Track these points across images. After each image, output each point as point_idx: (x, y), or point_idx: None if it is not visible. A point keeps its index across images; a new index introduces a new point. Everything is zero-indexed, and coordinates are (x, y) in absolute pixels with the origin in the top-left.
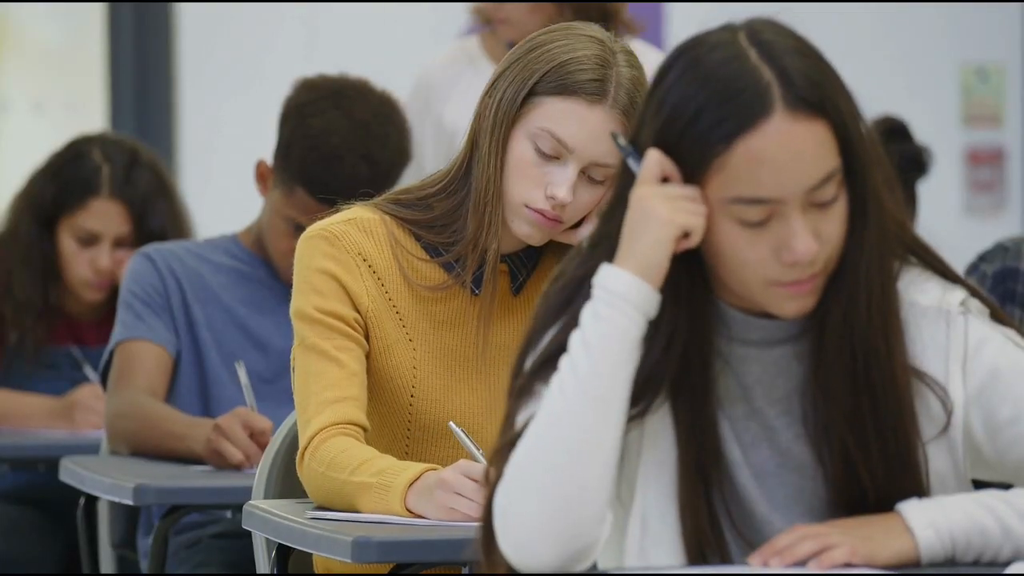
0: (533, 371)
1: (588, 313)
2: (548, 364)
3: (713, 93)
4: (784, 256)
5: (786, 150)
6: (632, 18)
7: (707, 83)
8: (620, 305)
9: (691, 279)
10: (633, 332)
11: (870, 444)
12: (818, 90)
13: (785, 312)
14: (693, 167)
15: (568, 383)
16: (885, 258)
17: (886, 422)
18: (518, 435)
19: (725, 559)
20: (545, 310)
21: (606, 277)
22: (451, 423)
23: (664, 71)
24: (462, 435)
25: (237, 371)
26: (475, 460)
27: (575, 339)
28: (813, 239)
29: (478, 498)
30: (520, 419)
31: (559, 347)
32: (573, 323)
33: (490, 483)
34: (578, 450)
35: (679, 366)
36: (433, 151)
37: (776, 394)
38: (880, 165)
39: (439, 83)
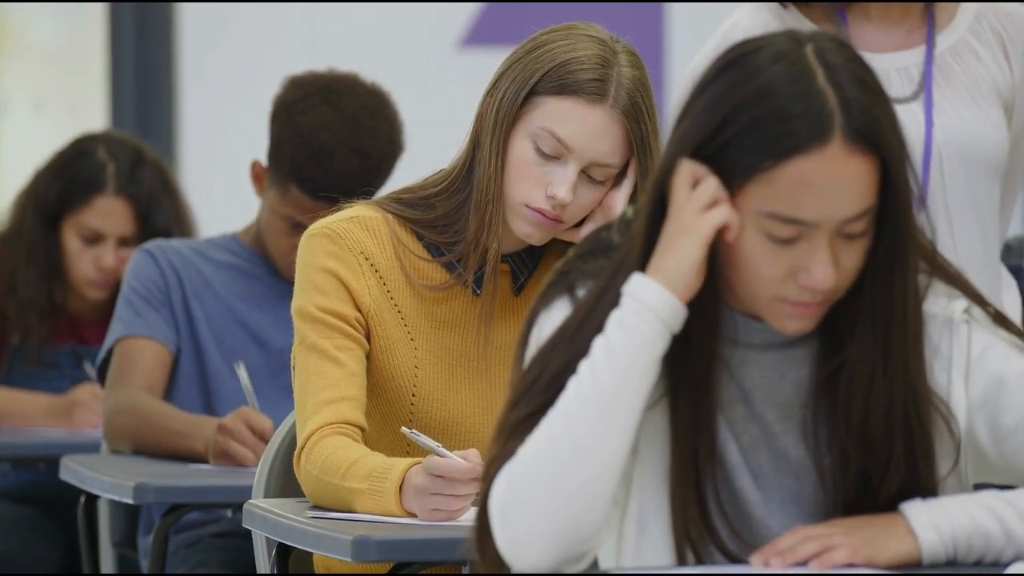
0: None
1: (614, 320)
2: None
3: (774, 108)
4: (802, 279)
5: (834, 180)
6: None
7: (769, 96)
8: (647, 316)
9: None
10: (658, 346)
11: (890, 472)
12: (877, 127)
13: (785, 328)
14: (735, 174)
15: (587, 387)
16: (915, 296)
17: (908, 453)
18: (514, 430)
19: (717, 559)
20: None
21: (637, 287)
22: (404, 428)
23: (720, 68)
24: (418, 436)
25: (237, 372)
26: (438, 455)
27: (598, 345)
28: (833, 269)
29: (453, 490)
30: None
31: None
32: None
33: (488, 476)
34: (589, 453)
35: (680, 365)
36: None
37: (776, 398)
38: (914, 200)
39: None
